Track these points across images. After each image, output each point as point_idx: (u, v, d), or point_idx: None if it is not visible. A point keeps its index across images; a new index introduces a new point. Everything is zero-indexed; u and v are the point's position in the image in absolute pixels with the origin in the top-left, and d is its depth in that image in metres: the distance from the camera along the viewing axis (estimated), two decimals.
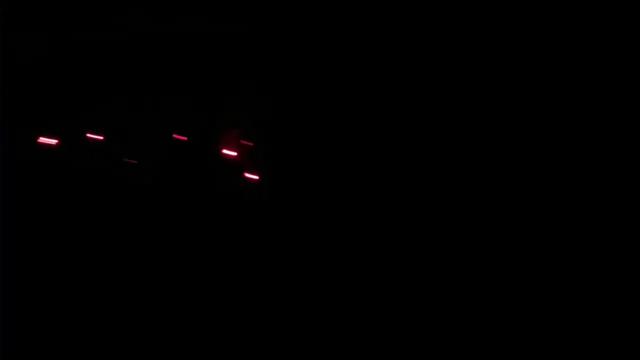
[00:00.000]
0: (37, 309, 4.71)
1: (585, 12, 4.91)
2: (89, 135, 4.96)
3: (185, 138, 5.01)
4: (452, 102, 4.99)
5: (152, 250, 4.85)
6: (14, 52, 5.00)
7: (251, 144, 5.02)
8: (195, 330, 4.75)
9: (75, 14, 5.04)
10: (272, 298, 4.81)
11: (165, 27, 5.07)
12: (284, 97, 5.05)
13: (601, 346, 4.60)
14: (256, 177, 4.99)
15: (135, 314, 4.73)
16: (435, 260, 4.83)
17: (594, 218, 4.80)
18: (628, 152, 4.84)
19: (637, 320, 4.62)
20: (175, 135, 5.01)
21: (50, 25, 5.03)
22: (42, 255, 4.81)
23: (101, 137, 4.97)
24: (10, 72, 4.96)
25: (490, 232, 4.84)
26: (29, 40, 5.01)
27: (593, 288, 4.70)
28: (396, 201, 4.92)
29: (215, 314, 4.79)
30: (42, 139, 4.95)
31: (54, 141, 4.95)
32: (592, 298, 4.68)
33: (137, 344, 4.71)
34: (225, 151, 5.02)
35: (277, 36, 5.08)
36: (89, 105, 5.01)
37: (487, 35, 5.00)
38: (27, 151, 4.92)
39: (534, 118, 4.94)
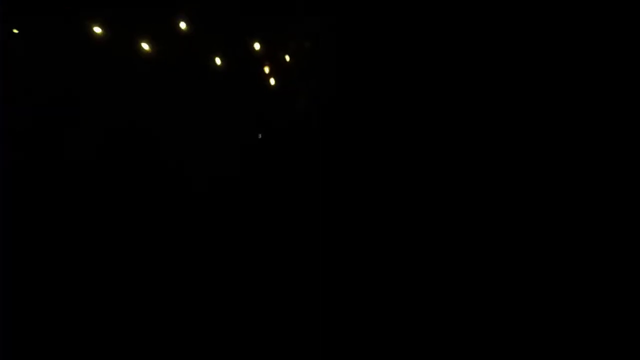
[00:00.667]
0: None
1: (585, 12, 4.94)
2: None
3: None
4: (455, 102, 5.01)
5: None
6: (14, 52, 5.00)
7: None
8: (204, 332, 4.73)
9: (74, 13, 5.03)
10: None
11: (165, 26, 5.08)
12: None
13: (601, 346, 4.60)
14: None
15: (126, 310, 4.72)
16: (438, 260, 4.83)
17: (594, 218, 4.81)
18: (628, 152, 4.86)
19: (638, 320, 4.62)
20: None
21: (49, 25, 5.02)
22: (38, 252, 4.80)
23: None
24: (10, 72, 4.96)
25: (492, 232, 4.85)
26: (28, 39, 5.01)
27: (593, 288, 4.70)
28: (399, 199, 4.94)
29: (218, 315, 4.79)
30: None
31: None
32: (592, 298, 4.69)
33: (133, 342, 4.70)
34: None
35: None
36: (88, 104, 5.02)
37: (488, 35, 5.02)
38: (26, 149, 4.93)
39: (536, 119, 4.96)
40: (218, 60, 4.98)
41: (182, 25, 4.94)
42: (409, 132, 4.88)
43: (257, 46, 4.99)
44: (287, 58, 5.01)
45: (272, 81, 5.00)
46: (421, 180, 4.86)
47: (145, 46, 4.89)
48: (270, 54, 5.01)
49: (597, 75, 4.91)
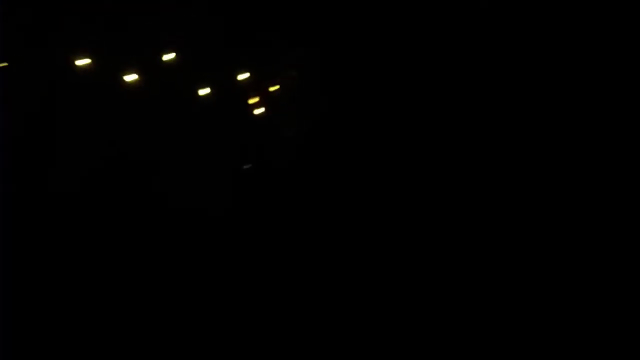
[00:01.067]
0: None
1: (586, 12, 4.93)
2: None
3: None
4: (451, 101, 5.02)
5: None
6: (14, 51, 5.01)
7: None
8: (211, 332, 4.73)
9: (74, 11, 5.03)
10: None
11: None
12: None
13: (601, 346, 4.59)
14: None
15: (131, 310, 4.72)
16: (436, 260, 4.83)
17: (594, 218, 4.80)
18: (628, 152, 4.85)
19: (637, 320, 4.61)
20: None
21: (49, 24, 5.03)
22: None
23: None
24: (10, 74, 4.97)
25: (491, 232, 4.85)
26: (28, 38, 5.02)
27: (593, 288, 4.69)
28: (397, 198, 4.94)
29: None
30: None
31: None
32: (592, 298, 4.68)
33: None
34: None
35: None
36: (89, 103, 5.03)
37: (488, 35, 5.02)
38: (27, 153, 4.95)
39: (536, 119, 4.96)
40: (205, 92, 5.01)
41: (169, 57, 4.98)
42: (393, 154, 4.95)
43: (243, 77, 5.04)
44: (273, 88, 5.06)
45: (259, 110, 5.05)
46: (403, 207, 4.92)
47: (132, 77, 4.92)
48: (257, 85, 5.06)
49: (596, 75, 4.92)
